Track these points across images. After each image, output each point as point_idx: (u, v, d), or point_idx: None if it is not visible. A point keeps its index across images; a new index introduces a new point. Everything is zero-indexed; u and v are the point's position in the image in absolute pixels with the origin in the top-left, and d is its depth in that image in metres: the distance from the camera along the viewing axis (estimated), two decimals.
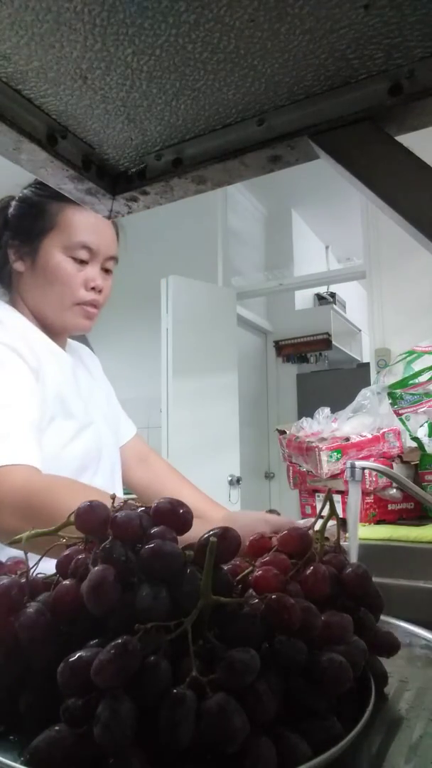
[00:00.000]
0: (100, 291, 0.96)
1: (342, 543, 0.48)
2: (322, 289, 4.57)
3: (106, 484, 0.96)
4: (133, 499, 0.42)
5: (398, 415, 1.39)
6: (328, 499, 0.45)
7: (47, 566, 0.41)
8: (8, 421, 0.77)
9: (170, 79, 0.42)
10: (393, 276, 2.88)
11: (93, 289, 0.95)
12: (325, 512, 0.46)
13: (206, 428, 3.15)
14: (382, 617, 0.47)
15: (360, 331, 4.75)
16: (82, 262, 0.93)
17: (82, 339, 1.14)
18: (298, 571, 0.40)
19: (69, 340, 1.06)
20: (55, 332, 0.98)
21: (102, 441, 0.98)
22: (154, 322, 3.23)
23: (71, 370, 0.98)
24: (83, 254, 0.93)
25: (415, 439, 1.36)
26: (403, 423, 1.39)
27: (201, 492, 1.10)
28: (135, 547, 0.36)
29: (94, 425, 0.96)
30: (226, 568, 0.39)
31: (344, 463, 1.23)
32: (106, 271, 0.98)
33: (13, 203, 0.97)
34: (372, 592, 0.44)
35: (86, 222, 0.93)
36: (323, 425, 1.41)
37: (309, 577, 0.40)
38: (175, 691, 0.30)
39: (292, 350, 4.33)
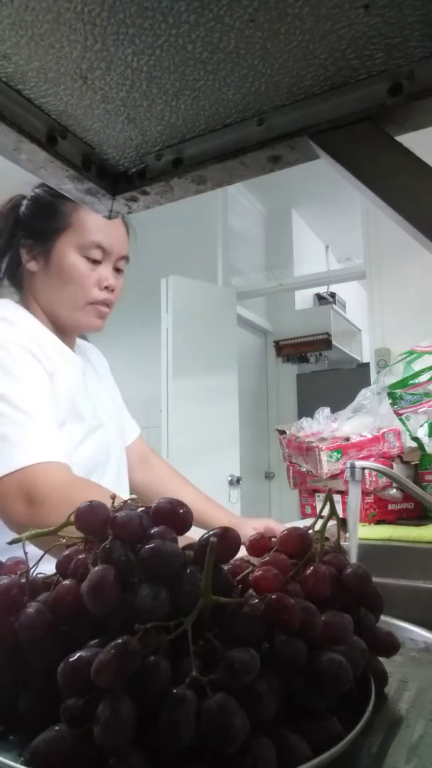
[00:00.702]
0: (112, 290, 0.96)
1: (342, 543, 0.48)
2: (322, 289, 4.56)
3: (113, 485, 0.97)
4: (133, 498, 0.42)
5: (398, 415, 1.39)
6: (328, 499, 0.45)
7: (47, 567, 0.41)
8: (37, 419, 0.78)
9: (170, 79, 0.42)
10: (393, 276, 2.88)
11: (106, 288, 0.95)
12: (325, 512, 0.46)
13: (206, 428, 3.15)
14: (382, 617, 0.47)
15: (360, 331, 4.74)
16: (95, 262, 0.94)
17: (82, 338, 1.14)
18: (298, 571, 0.40)
19: (77, 340, 1.06)
20: (66, 332, 0.98)
21: (110, 442, 0.99)
22: (154, 322, 3.22)
23: (80, 372, 0.98)
24: (97, 254, 0.93)
25: (415, 439, 1.36)
26: (403, 423, 1.39)
27: (201, 492, 1.10)
28: (135, 547, 0.36)
29: (102, 428, 0.96)
30: (226, 568, 0.39)
31: (344, 463, 1.23)
32: (117, 270, 0.98)
33: (25, 202, 0.97)
34: (372, 592, 0.44)
35: (100, 222, 0.93)
36: (323, 425, 1.41)
37: (309, 577, 0.40)
38: (175, 691, 0.30)
39: (292, 350, 4.32)
